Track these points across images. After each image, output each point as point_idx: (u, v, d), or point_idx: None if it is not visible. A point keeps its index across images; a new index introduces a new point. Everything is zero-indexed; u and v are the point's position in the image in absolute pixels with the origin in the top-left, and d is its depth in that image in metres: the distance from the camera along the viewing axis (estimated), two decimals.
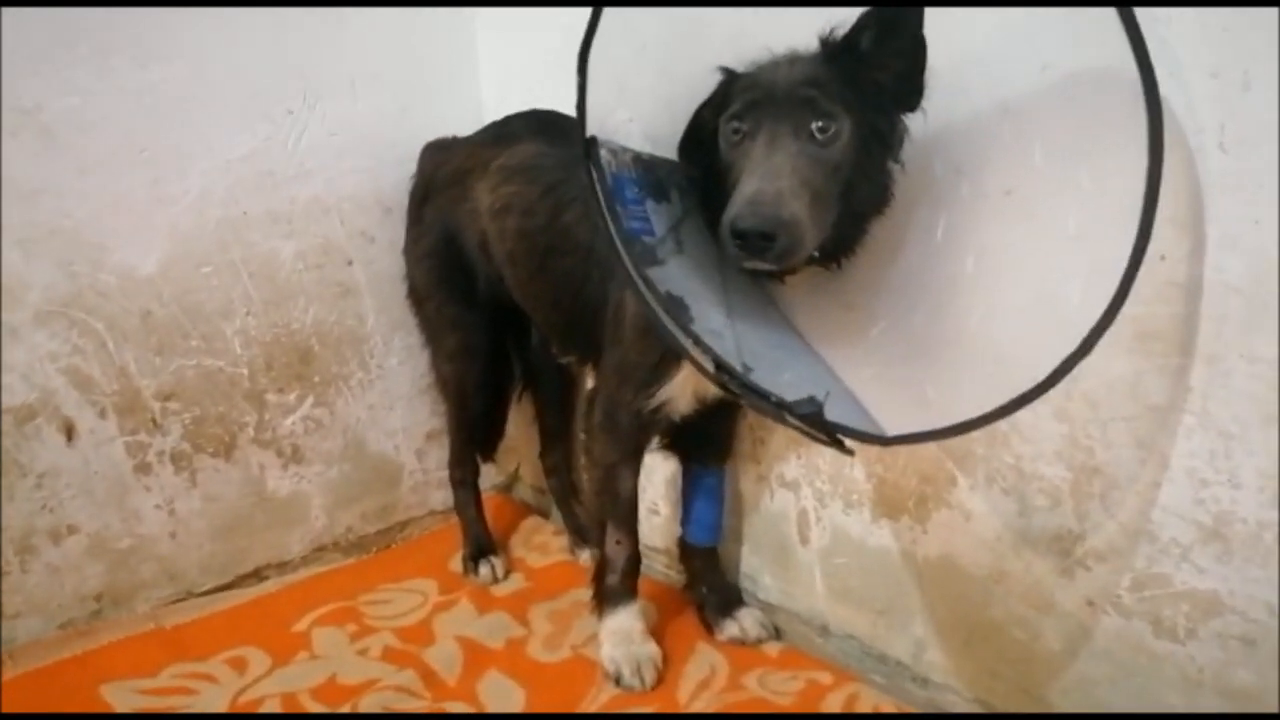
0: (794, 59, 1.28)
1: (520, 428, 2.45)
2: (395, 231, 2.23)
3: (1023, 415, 1.12)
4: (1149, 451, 1.26)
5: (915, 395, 1.22)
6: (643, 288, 1.09)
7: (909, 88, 1.25)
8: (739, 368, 1.09)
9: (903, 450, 1.57)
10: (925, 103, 1.26)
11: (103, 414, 1.91)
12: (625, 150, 1.20)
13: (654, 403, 1.59)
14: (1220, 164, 1.13)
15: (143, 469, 1.98)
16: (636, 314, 1.55)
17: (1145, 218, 1.04)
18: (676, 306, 1.10)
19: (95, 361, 1.88)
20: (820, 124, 1.22)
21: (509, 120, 1.98)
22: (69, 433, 1.87)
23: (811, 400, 1.03)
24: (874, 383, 1.22)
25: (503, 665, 1.81)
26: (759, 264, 1.20)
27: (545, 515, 2.52)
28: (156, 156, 1.88)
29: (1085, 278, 1.12)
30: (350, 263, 2.22)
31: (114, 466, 1.94)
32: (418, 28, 2.21)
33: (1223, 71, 1.11)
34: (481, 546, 2.20)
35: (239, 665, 1.83)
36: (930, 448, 1.52)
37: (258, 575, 2.18)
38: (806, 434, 1.07)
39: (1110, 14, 1.03)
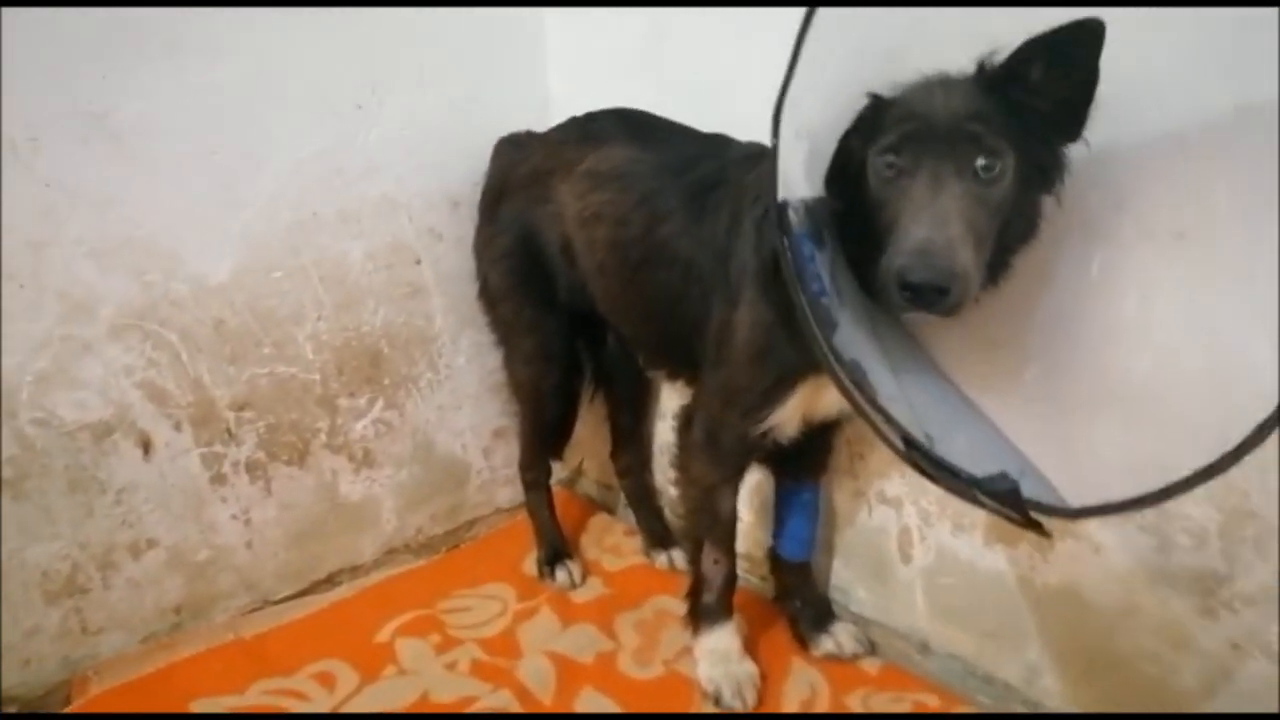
0: (947, 84, 1.19)
1: (585, 423, 2.40)
2: (463, 228, 2.16)
3: None
4: None
5: (1086, 450, 1.16)
6: (835, 366, 1.02)
7: (1071, 118, 1.17)
8: (922, 438, 1.03)
9: None
10: (1086, 131, 1.18)
11: (178, 426, 1.85)
12: (798, 202, 1.12)
13: (762, 427, 1.53)
14: None
15: (218, 480, 1.93)
16: (749, 337, 1.49)
17: None
18: (858, 375, 1.04)
19: (170, 374, 1.82)
20: (985, 162, 1.14)
21: (594, 119, 1.88)
22: (146, 447, 1.82)
23: (1004, 477, 0.98)
24: (1040, 437, 1.16)
25: (596, 682, 1.78)
26: (924, 313, 1.13)
27: (611, 511, 2.49)
28: (227, 158, 1.80)
29: (1274, 332, 1.05)
30: (418, 261, 2.14)
31: (190, 479, 1.89)
32: (485, 18, 2.12)
33: None
34: (557, 550, 2.16)
35: (327, 681, 1.80)
36: None
37: (331, 581, 2.15)
38: (997, 513, 1.02)
39: None
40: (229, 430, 1.92)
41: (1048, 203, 1.24)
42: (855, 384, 1.02)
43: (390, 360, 2.15)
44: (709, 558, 1.71)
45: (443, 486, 2.32)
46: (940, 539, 1.70)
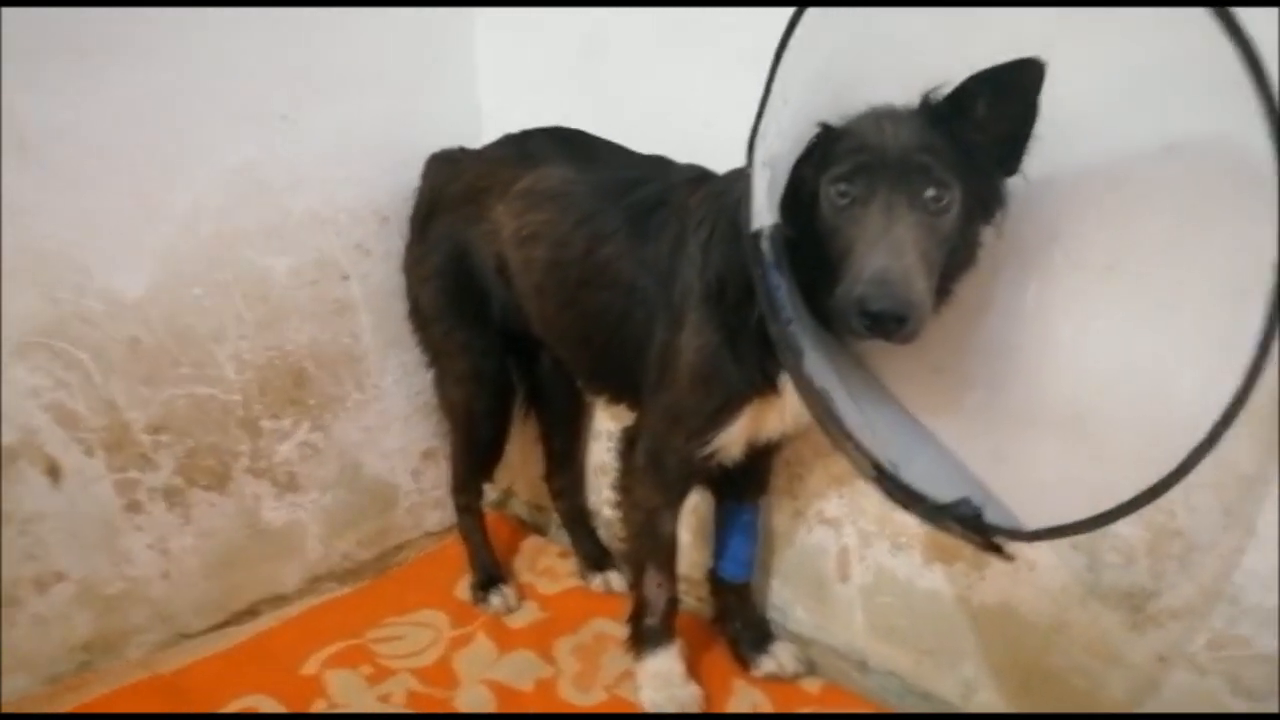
0: (895, 116, 1.22)
1: (516, 444, 2.35)
2: (392, 244, 2.11)
3: None
4: (1234, 518, 1.27)
5: (1028, 473, 1.19)
6: (810, 394, 1.02)
7: (1010, 152, 1.21)
8: (888, 465, 1.03)
9: None
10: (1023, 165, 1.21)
11: (89, 451, 1.75)
12: (768, 231, 1.12)
13: (707, 449, 1.53)
14: None
15: (133, 507, 1.83)
16: (694, 360, 1.48)
17: (1274, 305, 1.02)
18: (826, 402, 1.04)
19: (80, 395, 1.72)
20: (934, 193, 1.17)
21: (530, 137, 1.86)
22: (54, 473, 1.71)
23: (968, 502, 0.99)
24: (985, 459, 1.18)
25: (536, 710, 1.75)
26: (879, 340, 1.14)
27: (543, 533, 2.45)
28: (144, 169, 1.71)
29: (1201, 360, 1.10)
30: (346, 277, 2.08)
31: (102, 507, 1.78)
32: (415, 31, 2.06)
33: None
34: (490, 574, 2.12)
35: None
36: None
37: (253, 611, 2.05)
38: (962, 537, 1.03)
39: (1247, 85, 1.00)
40: (144, 455, 1.82)
41: (987, 233, 1.27)
42: (824, 409, 1.02)
43: (316, 380, 2.07)
44: (652, 581, 1.70)
45: (370, 510, 2.25)
46: (879, 558, 1.73)
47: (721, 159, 1.54)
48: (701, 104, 1.73)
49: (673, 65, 1.77)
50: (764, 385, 1.44)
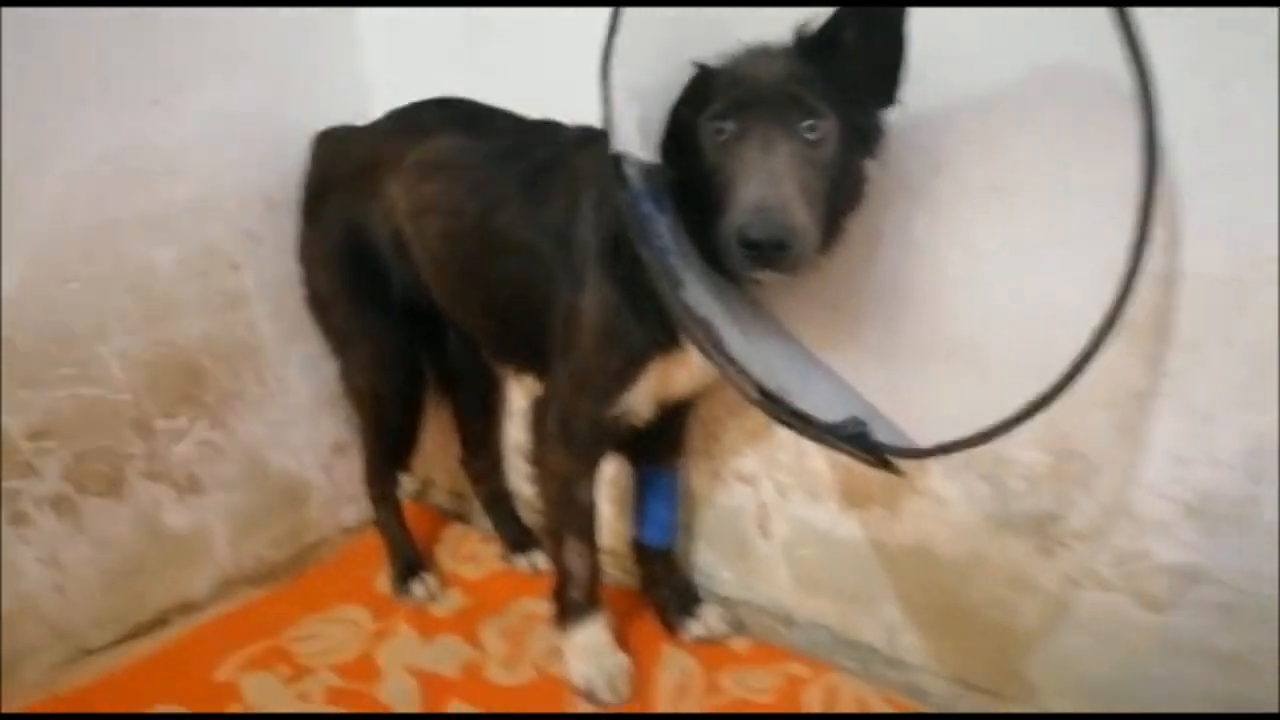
0: (769, 53, 1.22)
1: (431, 431, 2.30)
2: (284, 230, 2.03)
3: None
4: (1128, 434, 1.30)
5: (926, 400, 1.20)
6: (688, 320, 1.00)
7: (886, 83, 1.21)
8: (777, 391, 1.02)
9: None
10: (900, 95, 1.22)
11: None
12: (634, 159, 1.10)
13: (616, 411, 1.51)
14: (1198, 158, 1.15)
15: (19, 519, 1.72)
16: (597, 320, 1.46)
17: (1143, 217, 1.04)
18: (709, 331, 1.03)
19: None
20: (809, 123, 1.17)
21: (418, 109, 1.81)
22: None
23: (856, 421, 0.99)
24: (884, 389, 1.18)
25: (464, 694, 1.71)
26: (766, 273, 1.14)
27: (465, 520, 2.40)
28: (6, 159, 1.60)
29: (1082, 274, 1.11)
30: (237, 267, 1.99)
31: None
32: (294, 7, 1.99)
33: (1201, 69, 1.12)
34: (411, 564, 2.06)
35: None
36: None
37: (160, 621, 1.95)
38: (853, 455, 1.03)
39: (1103, 13, 1.01)
40: (27, 463, 1.72)
41: (872, 167, 1.27)
42: (708, 338, 1.00)
43: (212, 375, 1.98)
44: (572, 551, 1.67)
45: (281, 509, 2.17)
46: (797, 511, 1.73)
47: None
48: (589, 67, 1.69)
49: (560, 30, 1.74)
50: (668, 342, 1.42)
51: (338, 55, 2.10)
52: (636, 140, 1.09)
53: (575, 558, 1.67)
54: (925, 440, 1.11)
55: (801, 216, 1.12)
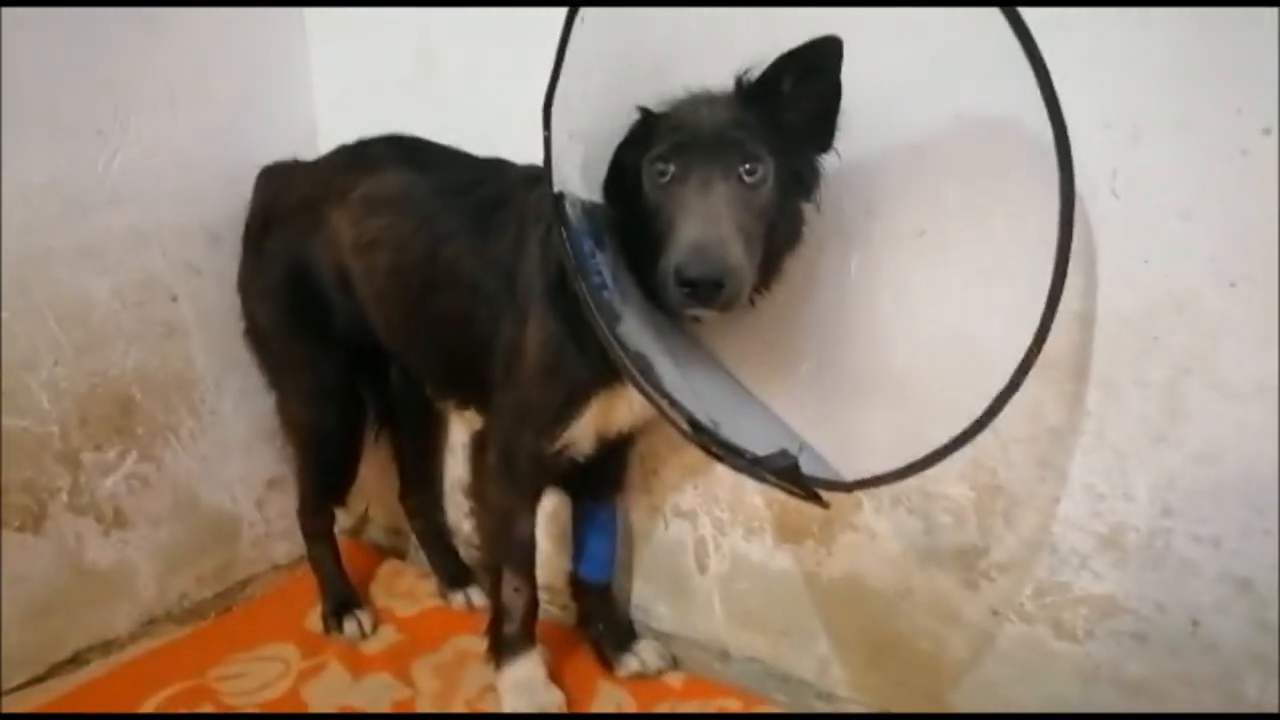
0: (711, 99, 1.27)
1: (369, 466, 2.28)
2: (225, 262, 2.01)
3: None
4: (1048, 470, 1.36)
5: (857, 435, 1.25)
6: (620, 354, 1.03)
7: (823, 130, 1.27)
8: (707, 423, 1.06)
9: None
10: (836, 142, 1.28)
11: None
12: (575, 198, 1.14)
13: (557, 444, 1.52)
14: (1111, 207, 1.23)
15: None
16: (539, 353, 1.48)
17: (1060, 260, 1.11)
18: (643, 364, 1.06)
19: None
20: (748, 166, 1.22)
21: (366, 145, 1.83)
22: None
23: (785, 454, 1.02)
24: (816, 424, 1.23)
25: None
26: (702, 311, 1.18)
27: (402, 557, 2.37)
28: None
29: (1004, 315, 1.18)
30: (175, 298, 1.97)
31: None
32: (244, 40, 2.01)
33: (1114, 123, 1.21)
34: (343, 600, 2.03)
35: None
36: None
37: (78, 660, 1.89)
38: (781, 488, 1.06)
39: (1022, 64, 1.09)
40: None
41: (809, 210, 1.33)
42: (641, 371, 1.03)
43: (144, 408, 1.95)
44: (509, 586, 1.67)
45: (210, 545, 2.13)
46: (734, 545, 1.76)
47: None
48: (536, 107, 1.74)
49: (509, 67, 1.79)
50: (609, 376, 1.45)
51: (288, 91, 2.12)
52: (579, 180, 1.13)
53: (512, 592, 1.68)
54: (859, 471, 1.15)
55: (737, 256, 1.16)
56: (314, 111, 2.17)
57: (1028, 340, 1.10)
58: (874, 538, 1.56)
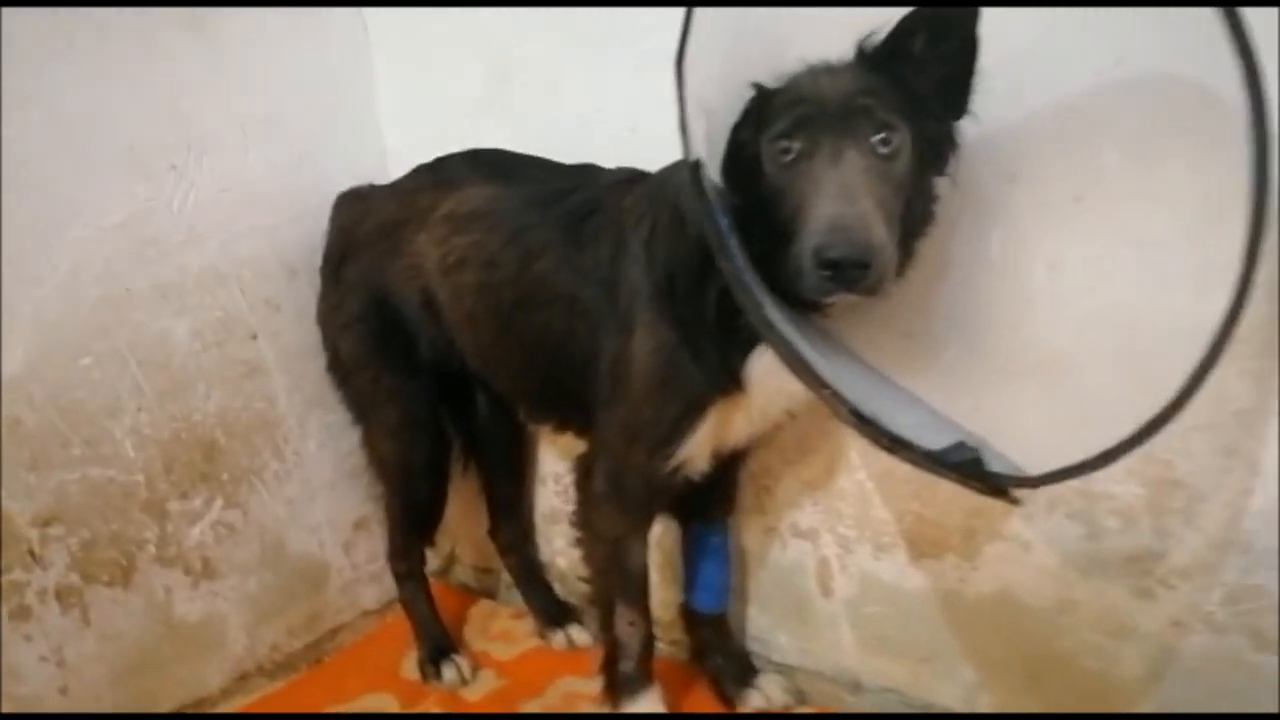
0: (832, 69, 1.16)
1: (453, 503, 2.18)
2: (303, 297, 1.95)
3: None
4: (1235, 459, 1.21)
5: (1010, 426, 1.11)
6: (779, 338, 0.92)
7: (956, 93, 1.16)
8: (871, 416, 0.94)
9: (943, 484, 1.46)
10: (974, 108, 1.16)
11: None
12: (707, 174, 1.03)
13: (672, 462, 1.41)
14: None
15: (21, 614, 1.59)
16: (650, 364, 1.37)
17: (1256, 220, 0.97)
18: (796, 348, 0.94)
19: None
20: (882, 136, 1.11)
21: (445, 162, 1.75)
22: None
23: (963, 447, 0.90)
24: (965, 417, 1.10)
25: None
26: (844, 296, 1.06)
27: (493, 597, 2.27)
28: (14, 227, 1.53)
29: (1184, 285, 1.05)
30: (255, 336, 1.91)
31: None
32: (311, 68, 1.96)
33: None
34: (440, 646, 1.93)
35: None
36: None
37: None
38: (963, 484, 0.94)
39: (1206, 14, 0.96)
40: (32, 551, 1.60)
41: (942, 184, 1.22)
42: (799, 358, 0.92)
43: (228, 452, 1.88)
44: (623, 620, 1.55)
45: (299, 593, 2.04)
46: (862, 565, 1.62)
47: (653, 161, 1.47)
48: (624, 109, 1.66)
49: (587, 74, 1.70)
50: (728, 383, 1.34)
51: (356, 119, 2.06)
52: (705, 155, 1.02)
53: (626, 626, 1.56)
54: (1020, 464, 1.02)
55: (881, 234, 1.05)
56: (383, 139, 2.11)
57: (1211, 319, 0.97)
58: (1027, 548, 1.41)
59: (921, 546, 1.53)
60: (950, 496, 1.47)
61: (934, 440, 0.94)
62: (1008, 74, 1.14)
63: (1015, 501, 0.97)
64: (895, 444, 0.91)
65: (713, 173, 1.13)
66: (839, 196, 1.05)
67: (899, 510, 1.54)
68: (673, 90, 0.93)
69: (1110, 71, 1.10)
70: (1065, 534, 1.37)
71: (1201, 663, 1.30)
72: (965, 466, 0.91)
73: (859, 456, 1.57)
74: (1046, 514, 1.38)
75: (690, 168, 0.95)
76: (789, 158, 1.12)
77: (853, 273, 1.01)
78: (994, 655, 1.51)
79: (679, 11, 1.52)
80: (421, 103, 2.01)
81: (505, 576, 2.21)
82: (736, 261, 0.93)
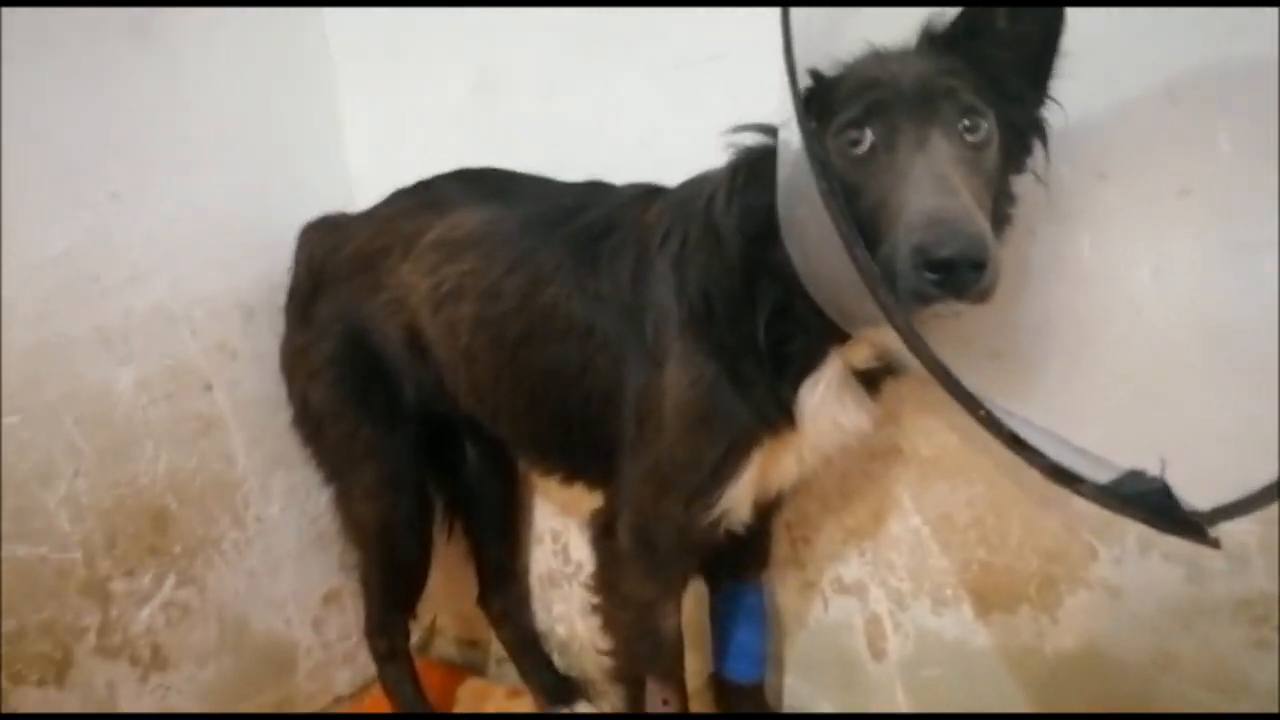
0: (900, 53, 1.02)
1: (435, 568, 1.95)
2: (264, 341, 1.74)
3: None
4: None
5: (1122, 450, 0.95)
6: (926, 351, 0.75)
7: (1036, 77, 1.02)
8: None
9: (1014, 526, 1.30)
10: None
11: None
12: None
13: (714, 513, 1.22)
14: None
15: None
16: (687, 399, 1.19)
17: None
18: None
19: None
20: (968, 122, 0.96)
21: (430, 184, 1.56)
22: None
23: (1141, 476, 0.73)
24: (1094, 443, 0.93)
25: None
26: (953, 305, 0.89)
27: (481, 673, 2.04)
28: None
29: None
30: (209, 387, 1.68)
31: None
32: (267, 88, 1.76)
33: None
34: None
35: None
36: (1054, 519, 1.26)
37: None
38: (1148, 523, 0.77)
39: None
40: None
41: (1022, 183, 1.07)
42: (944, 368, 0.74)
43: (180, 520, 1.64)
44: (655, 698, 1.35)
45: (263, 680, 1.79)
46: (919, 621, 1.44)
47: (668, 178, 1.31)
48: (633, 121, 1.50)
49: (588, 83, 1.54)
50: (778, 418, 1.16)
51: (317, 142, 1.87)
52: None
53: (660, 706, 1.35)
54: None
55: (988, 231, 0.89)
56: (347, 163, 1.92)
57: None
58: (1117, 596, 1.25)
59: (990, 599, 1.36)
60: (1023, 540, 1.30)
61: (1090, 471, 0.78)
62: (1095, 57, 1.00)
63: (1214, 544, 0.80)
64: (1066, 478, 0.74)
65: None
66: (936, 188, 0.89)
67: (962, 559, 1.37)
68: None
69: (1217, 53, 0.97)
70: (1163, 578, 1.21)
71: None
72: (1149, 500, 0.74)
73: (912, 501, 1.40)
74: (1139, 556, 1.22)
75: (806, 135, 0.78)
76: (860, 149, 0.97)
77: (967, 275, 0.85)
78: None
79: (695, 11, 1.41)
80: (393, 119, 1.82)
81: (495, 650, 1.99)
82: (861, 248, 0.76)
